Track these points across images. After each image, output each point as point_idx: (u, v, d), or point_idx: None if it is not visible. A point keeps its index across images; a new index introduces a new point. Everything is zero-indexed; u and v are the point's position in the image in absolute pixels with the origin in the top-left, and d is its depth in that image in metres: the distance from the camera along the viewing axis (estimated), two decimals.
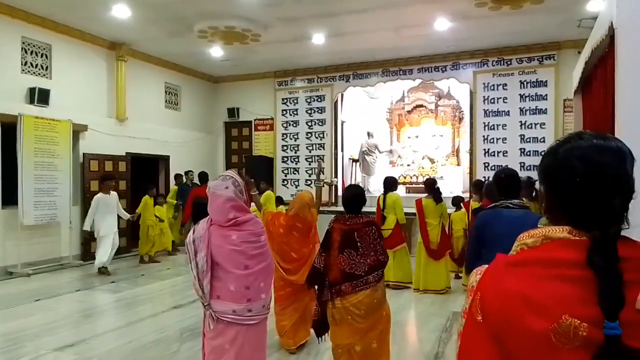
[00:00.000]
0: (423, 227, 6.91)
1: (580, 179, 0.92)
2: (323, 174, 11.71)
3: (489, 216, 3.10)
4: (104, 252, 8.07)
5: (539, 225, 0.98)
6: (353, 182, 12.99)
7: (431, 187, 7.05)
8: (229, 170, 2.81)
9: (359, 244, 3.17)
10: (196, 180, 10.16)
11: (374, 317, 3.22)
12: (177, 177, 10.89)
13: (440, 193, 7.04)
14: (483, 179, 8.94)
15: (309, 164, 12.33)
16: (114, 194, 8.36)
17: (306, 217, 4.51)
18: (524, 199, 3.45)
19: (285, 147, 12.62)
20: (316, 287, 3.41)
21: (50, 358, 4.39)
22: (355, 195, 3.39)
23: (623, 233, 0.90)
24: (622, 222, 0.91)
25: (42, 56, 8.85)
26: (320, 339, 3.45)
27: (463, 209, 7.34)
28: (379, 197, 7.34)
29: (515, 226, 2.83)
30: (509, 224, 2.84)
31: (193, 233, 2.63)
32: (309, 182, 12.18)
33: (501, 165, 10.36)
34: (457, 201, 7.65)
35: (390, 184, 7.32)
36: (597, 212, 0.90)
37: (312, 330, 4.72)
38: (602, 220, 0.88)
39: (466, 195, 10.12)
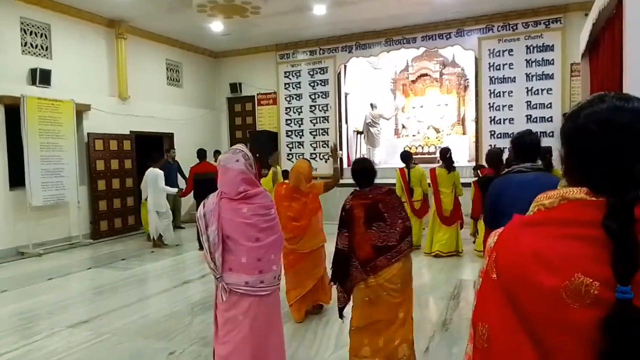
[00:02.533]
0: (437, 195, 7.26)
1: (599, 143, 0.90)
2: (339, 153, 11.70)
3: (500, 184, 3.00)
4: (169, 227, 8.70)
5: (558, 188, 0.97)
6: (358, 155, 12.97)
7: (443, 156, 7.38)
8: (239, 144, 2.81)
9: (385, 214, 3.08)
10: (178, 158, 10.46)
11: (408, 289, 3.19)
12: (155, 158, 9.26)
13: (453, 162, 7.32)
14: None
15: (314, 138, 12.28)
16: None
17: (299, 188, 4.54)
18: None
19: (289, 121, 12.56)
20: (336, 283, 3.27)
21: (65, 335, 4.48)
22: (365, 168, 3.30)
23: None
24: None
25: (41, 36, 8.77)
26: (343, 318, 3.37)
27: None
28: (402, 170, 7.57)
29: (526, 190, 2.72)
30: (520, 189, 2.72)
31: (203, 207, 2.65)
32: (314, 155, 12.16)
33: (507, 134, 10.29)
34: (476, 170, 7.87)
35: (408, 157, 7.64)
36: (615, 176, 0.88)
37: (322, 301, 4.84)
38: (621, 185, 0.87)
39: (472, 164, 10.07)
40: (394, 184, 7.20)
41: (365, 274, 3.07)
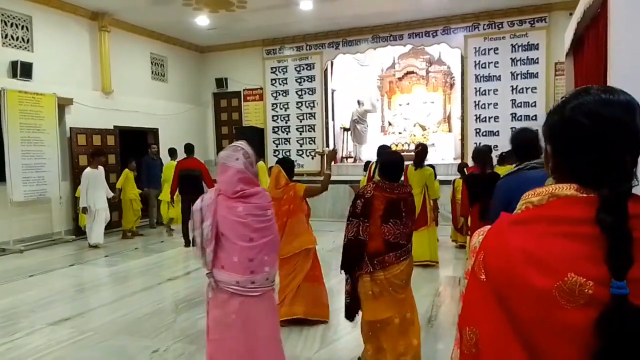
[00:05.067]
0: None
1: (588, 136, 0.89)
2: (326, 157, 11.63)
3: (513, 181, 2.76)
4: (99, 228, 8.21)
5: (545, 185, 0.95)
6: (345, 152, 12.97)
7: (415, 151, 6.65)
8: (240, 140, 2.77)
9: (404, 213, 3.08)
10: (163, 154, 10.29)
11: (409, 288, 3.22)
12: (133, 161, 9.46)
13: (422, 157, 6.37)
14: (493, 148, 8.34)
15: (300, 134, 12.25)
16: (101, 168, 8.40)
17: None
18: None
19: (275, 117, 12.50)
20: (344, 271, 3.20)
21: (46, 332, 4.40)
22: (399, 162, 3.21)
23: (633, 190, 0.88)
24: (632, 179, 0.88)
25: (22, 28, 8.59)
26: (352, 319, 3.29)
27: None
28: (406, 167, 7.22)
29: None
30: (538, 185, 2.63)
31: (201, 201, 2.62)
32: (300, 152, 12.13)
33: (493, 132, 10.37)
34: (461, 168, 7.27)
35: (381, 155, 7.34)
36: (606, 169, 0.87)
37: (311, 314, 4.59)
38: (612, 178, 0.85)
39: (458, 161, 10.12)
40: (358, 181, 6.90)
41: (372, 267, 3.03)
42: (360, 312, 3.22)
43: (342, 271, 3.24)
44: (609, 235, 0.81)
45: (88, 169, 8.17)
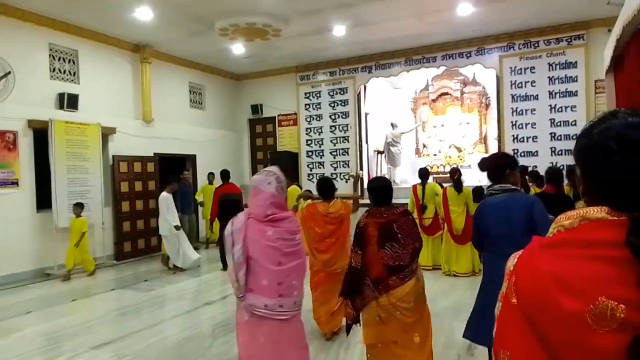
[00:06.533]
0: (447, 214, 7.30)
1: (616, 159, 0.88)
2: (359, 180, 11.69)
3: (480, 208, 3.13)
4: (190, 248, 8.54)
5: (576, 208, 0.95)
6: (379, 174, 12.92)
7: (451, 176, 7.43)
8: (272, 166, 2.82)
9: (399, 235, 3.06)
10: (201, 179, 10.80)
11: (421, 309, 3.14)
12: (171, 180, 8.91)
13: (461, 183, 7.30)
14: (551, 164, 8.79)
15: (334, 157, 12.30)
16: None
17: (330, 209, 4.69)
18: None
19: (309, 142, 12.61)
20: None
21: (87, 356, 4.50)
22: (384, 186, 3.27)
23: None
24: None
25: (69, 62, 9.05)
26: (348, 334, 3.37)
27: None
28: (415, 187, 7.74)
29: (500, 212, 2.94)
30: (494, 212, 2.97)
31: (232, 225, 2.65)
32: (334, 175, 12.16)
33: (531, 152, 10.13)
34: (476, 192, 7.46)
35: (425, 174, 7.73)
36: (635, 192, 0.86)
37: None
38: None
39: None
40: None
41: (377, 292, 3.04)
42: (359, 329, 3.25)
43: (341, 297, 3.33)
44: (639, 257, 0.80)
45: (165, 194, 8.34)
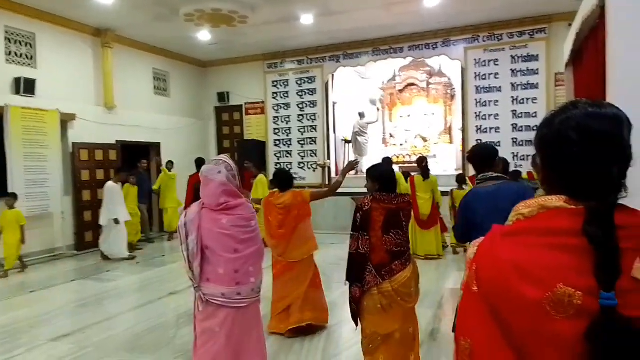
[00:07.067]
0: (414, 200, 7.53)
1: (576, 149, 0.90)
2: (325, 169, 11.71)
3: (469, 198, 3.09)
4: (124, 241, 8.44)
5: (536, 196, 0.96)
6: (346, 163, 12.97)
7: (419, 165, 7.93)
8: (223, 154, 2.80)
9: (404, 222, 3.13)
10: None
11: (419, 293, 3.21)
12: (120, 171, 9.26)
13: (428, 170, 7.84)
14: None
15: (302, 147, 12.27)
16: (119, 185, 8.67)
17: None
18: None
19: (277, 131, 12.53)
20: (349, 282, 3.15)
21: (46, 349, 4.38)
22: (393, 177, 3.30)
23: (621, 201, 0.88)
24: (620, 190, 0.89)
25: (26, 45, 8.67)
26: (357, 325, 3.22)
27: (467, 187, 7.48)
28: (411, 178, 8.08)
29: (489, 202, 2.90)
30: (484, 201, 2.88)
31: (185, 216, 2.64)
32: (301, 165, 12.14)
33: (494, 142, 10.36)
34: (459, 179, 7.99)
35: (389, 164, 7.80)
36: (594, 182, 0.88)
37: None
38: (600, 190, 0.86)
39: (459, 172, 10.11)
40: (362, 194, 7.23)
41: (380, 278, 3.00)
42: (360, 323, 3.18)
43: (347, 282, 3.21)
44: (596, 246, 0.82)
45: (110, 183, 8.40)
